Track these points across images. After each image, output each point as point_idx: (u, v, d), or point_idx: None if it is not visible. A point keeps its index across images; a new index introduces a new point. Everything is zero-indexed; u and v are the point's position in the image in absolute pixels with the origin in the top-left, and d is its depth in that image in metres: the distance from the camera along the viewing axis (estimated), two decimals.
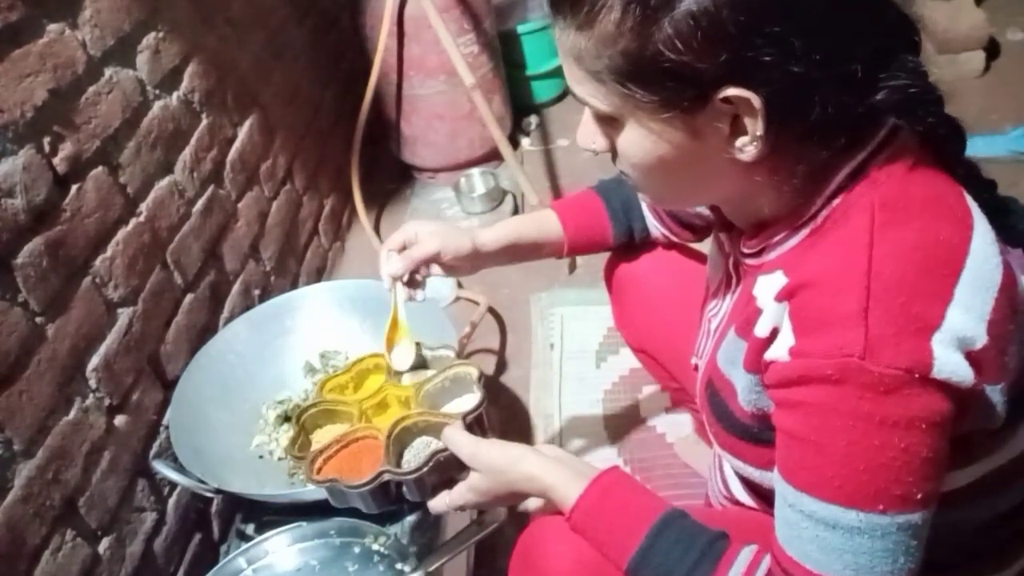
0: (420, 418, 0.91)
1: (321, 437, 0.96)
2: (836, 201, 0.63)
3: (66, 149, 1.05)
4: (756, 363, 0.67)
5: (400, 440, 0.90)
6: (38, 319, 0.97)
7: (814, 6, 0.55)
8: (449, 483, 0.86)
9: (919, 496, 0.58)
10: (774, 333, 0.64)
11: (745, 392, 0.71)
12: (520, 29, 2.45)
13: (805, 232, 0.66)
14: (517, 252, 1.04)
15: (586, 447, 1.50)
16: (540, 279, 1.89)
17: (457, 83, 1.95)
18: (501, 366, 1.71)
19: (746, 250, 0.73)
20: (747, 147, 0.61)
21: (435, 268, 1.00)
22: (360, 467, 0.89)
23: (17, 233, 0.95)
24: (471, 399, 0.93)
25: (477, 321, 1.72)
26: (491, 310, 1.81)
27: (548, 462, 0.78)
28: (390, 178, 2.36)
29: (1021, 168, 1.92)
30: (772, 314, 0.65)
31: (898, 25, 0.62)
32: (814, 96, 0.58)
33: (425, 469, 0.84)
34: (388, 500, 0.88)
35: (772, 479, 0.70)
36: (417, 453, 0.89)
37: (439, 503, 0.86)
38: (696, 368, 0.88)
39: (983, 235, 0.61)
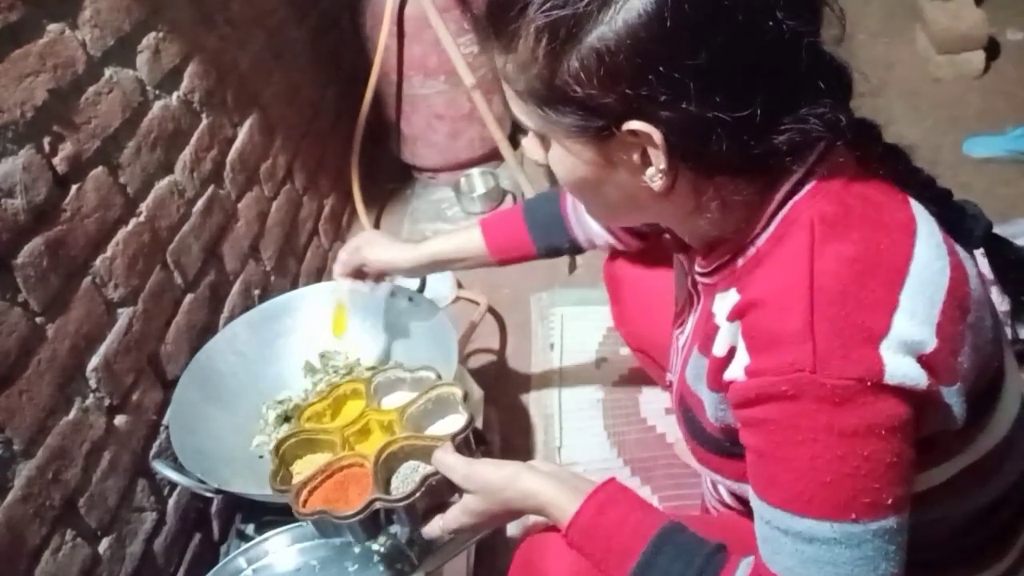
0: (407, 442, 0.88)
1: (302, 468, 0.92)
2: (778, 218, 0.65)
3: (66, 149, 1.05)
4: (718, 381, 0.68)
5: (387, 466, 0.88)
6: (38, 319, 0.97)
7: (706, 54, 0.56)
8: (441, 507, 0.84)
9: (889, 501, 0.59)
10: (731, 352, 0.66)
11: (712, 409, 0.72)
12: None
13: (752, 251, 0.67)
14: (445, 265, 1.18)
15: (586, 447, 1.50)
16: (540, 279, 1.89)
17: (457, 83, 1.95)
18: (501, 366, 1.71)
19: (699, 269, 0.74)
20: (655, 178, 0.63)
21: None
22: (347, 497, 0.86)
23: (17, 233, 0.95)
24: (457, 420, 0.91)
25: (477, 321, 1.72)
26: (491, 310, 1.81)
27: (544, 478, 0.77)
28: (390, 178, 2.36)
29: (1021, 168, 1.92)
30: (727, 333, 0.67)
31: (814, 72, 0.60)
32: (712, 135, 0.59)
33: (417, 495, 0.82)
34: (379, 529, 0.86)
35: (748, 491, 0.71)
36: (405, 479, 0.87)
37: (433, 528, 0.84)
38: (670, 385, 0.89)
39: (927, 240, 0.62)
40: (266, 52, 1.78)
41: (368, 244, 1.16)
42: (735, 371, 0.64)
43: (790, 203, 0.64)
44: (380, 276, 1.21)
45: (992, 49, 2.38)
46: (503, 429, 1.52)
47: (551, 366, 1.68)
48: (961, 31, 2.30)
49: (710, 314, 0.71)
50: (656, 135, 0.59)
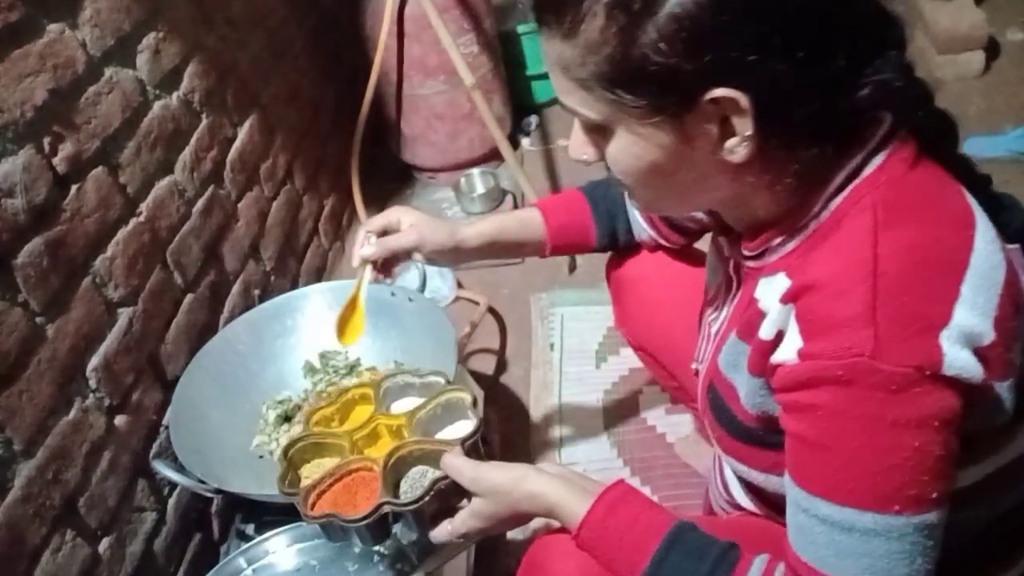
0: (416, 447, 0.87)
1: (310, 472, 0.92)
2: (836, 201, 0.63)
3: (66, 149, 1.05)
4: (761, 366, 0.67)
5: (395, 470, 0.87)
6: (38, 319, 0.97)
7: (792, 4, 0.56)
8: (449, 512, 0.83)
9: (934, 495, 0.58)
10: (779, 336, 0.64)
11: (749, 395, 0.70)
12: (520, 29, 2.44)
13: (806, 233, 0.65)
14: (498, 249, 1.04)
15: (586, 447, 1.50)
16: (540, 279, 1.89)
17: (457, 83, 1.95)
18: (501, 366, 1.71)
19: (747, 252, 0.72)
20: (737, 148, 0.61)
21: (416, 255, 1.00)
22: (355, 500, 0.85)
23: (17, 233, 0.95)
24: (466, 425, 0.90)
25: (477, 321, 1.72)
26: (491, 310, 1.81)
27: (552, 480, 0.76)
28: (390, 178, 2.36)
29: (1021, 168, 1.92)
30: (777, 317, 0.65)
31: (881, 22, 0.62)
32: (800, 93, 0.58)
33: (426, 499, 0.81)
34: (386, 533, 0.85)
35: (776, 483, 0.70)
36: (413, 483, 0.86)
37: (441, 532, 0.83)
38: (696, 373, 0.88)
39: (984, 233, 0.61)
40: (266, 52, 1.78)
41: (413, 226, 0.98)
42: (785, 354, 0.62)
43: (850, 186, 0.63)
44: (392, 263, 1.03)
45: (992, 49, 2.38)
46: (503, 429, 1.52)
47: (551, 366, 1.68)
48: (961, 31, 2.30)
49: (752, 299, 0.70)
50: (743, 99, 0.57)
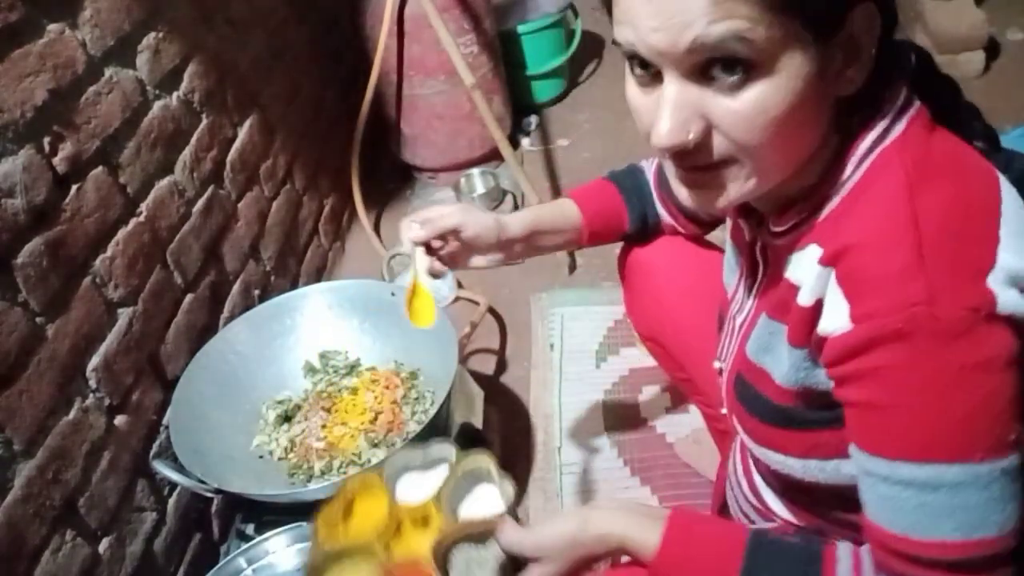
0: (460, 533, 0.79)
1: None
2: (865, 165, 0.63)
3: (66, 149, 1.05)
4: (804, 337, 0.65)
5: (441, 560, 0.79)
6: (38, 319, 0.97)
7: None
8: None
9: (1012, 437, 0.56)
10: (818, 304, 0.63)
11: (791, 372, 0.69)
12: (520, 29, 2.44)
13: (835, 201, 0.65)
14: (538, 238, 1.03)
15: (586, 447, 1.50)
16: (540, 279, 1.89)
17: (457, 83, 1.95)
18: (501, 366, 1.71)
19: (776, 229, 0.70)
20: (856, 75, 0.60)
21: (476, 259, 0.99)
22: None
23: (17, 233, 0.95)
24: (488, 490, 0.85)
25: (477, 321, 1.72)
26: (491, 310, 1.81)
27: (614, 514, 0.74)
28: (390, 178, 2.36)
29: None
30: (814, 284, 0.63)
31: None
32: (888, 17, 0.60)
33: None
34: None
35: (815, 469, 0.70)
36: (463, 570, 0.79)
37: None
38: (720, 372, 0.86)
39: (1007, 185, 0.62)
40: (266, 52, 1.78)
41: (456, 209, 0.97)
42: (834, 322, 0.60)
43: (878, 149, 0.63)
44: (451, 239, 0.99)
45: (992, 49, 2.38)
46: (503, 429, 1.52)
47: (551, 366, 1.68)
48: (961, 31, 2.30)
49: (782, 279, 0.69)
50: (877, 15, 0.58)
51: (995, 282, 0.56)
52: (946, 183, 0.59)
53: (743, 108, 0.57)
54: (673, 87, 0.58)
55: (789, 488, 0.82)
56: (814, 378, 0.67)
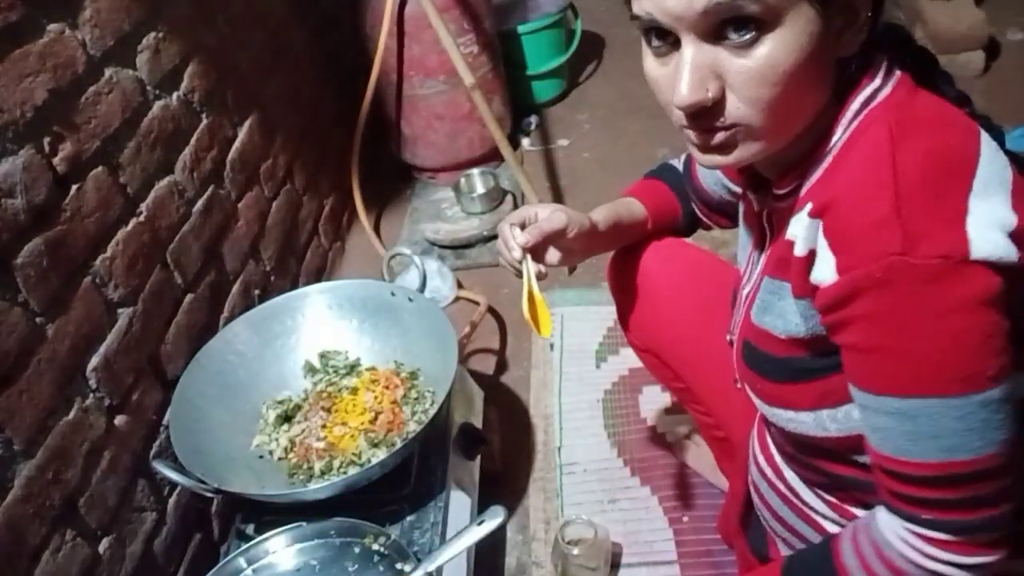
0: None
1: None
2: (853, 126, 0.67)
3: (66, 149, 1.05)
4: (804, 287, 0.68)
5: None
6: (38, 319, 0.97)
7: None
8: None
9: (989, 373, 0.61)
10: (811, 254, 0.66)
11: (803, 321, 0.72)
12: (520, 29, 2.45)
13: (828, 160, 0.69)
14: (616, 233, 1.06)
15: (586, 447, 1.50)
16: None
17: (457, 83, 1.95)
18: (501, 366, 1.71)
19: (778, 192, 0.75)
20: (856, 36, 0.65)
21: (551, 253, 0.98)
22: None
23: (17, 233, 0.95)
24: None
25: (477, 321, 1.72)
26: (491, 310, 1.81)
27: None
28: (390, 178, 2.36)
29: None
30: (805, 235, 0.67)
31: None
32: None
33: None
34: None
35: (826, 420, 0.74)
36: None
37: None
38: (731, 344, 0.89)
39: (988, 141, 0.65)
40: (266, 52, 1.78)
41: (557, 210, 0.97)
42: (823, 272, 0.64)
43: (865, 111, 0.67)
44: (543, 251, 0.99)
45: (992, 49, 2.38)
46: (503, 429, 1.52)
47: (551, 366, 1.68)
48: (961, 31, 2.30)
49: (783, 241, 0.72)
50: None
51: (973, 226, 0.59)
52: (926, 136, 0.63)
53: (755, 64, 0.61)
54: (690, 49, 0.62)
55: (806, 454, 0.84)
56: (822, 326, 0.70)
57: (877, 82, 0.68)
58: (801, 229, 0.68)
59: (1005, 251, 0.59)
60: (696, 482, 1.39)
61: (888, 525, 0.69)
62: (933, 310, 0.59)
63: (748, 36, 0.60)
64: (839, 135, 0.68)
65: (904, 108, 0.66)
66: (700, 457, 1.40)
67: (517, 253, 0.93)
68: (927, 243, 0.58)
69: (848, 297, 0.62)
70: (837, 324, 0.65)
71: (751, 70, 0.62)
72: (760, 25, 0.60)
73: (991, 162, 0.63)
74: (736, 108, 0.64)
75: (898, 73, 0.69)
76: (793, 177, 0.72)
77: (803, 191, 0.71)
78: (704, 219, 1.11)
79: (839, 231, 0.63)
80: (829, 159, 0.69)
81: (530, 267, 0.93)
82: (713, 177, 1.02)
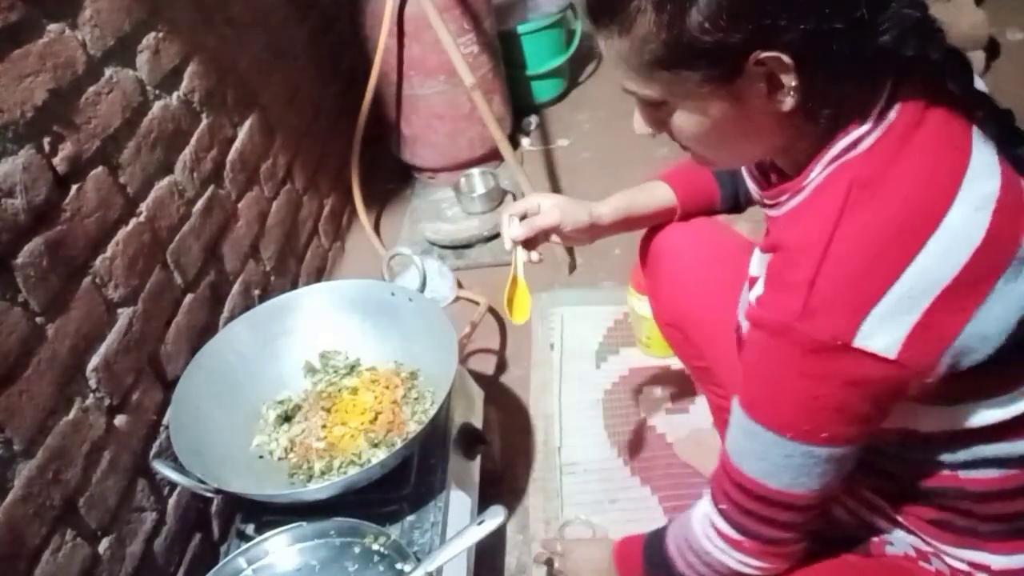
0: None
1: None
2: (829, 169, 0.70)
3: (66, 149, 1.05)
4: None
5: None
6: (38, 319, 0.97)
7: None
8: None
9: (824, 435, 0.70)
10: (755, 280, 0.76)
11: None
12: (520, 29, 2.45)
13: (804, 194, 0.72)
14: (630, 223, 1.11)
15: (586, 447, 1.50)
16: (540, 279, 1.88)
17: (457, 83, 1.95)
18: (501, 366, 1.71)
19: (766, 201, 0.79)
20: (786, 98, 0.67)
21: (553, 237, 1.06)
22: None
23: (17, 233, 0.95)
24: None
25: (477, 321, 1.72)
26: (491, 310, 1.81)
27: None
28: (390, 178, 2.36)
29: None
30: (758, 262, 0.78)
31: None
32: (831, 44, 0.64)
33: None
34: None
35: None
36: None
37: None
38: (737, 329, 0.90)
39: (965, 203, 0.65)
40: (266, 52, 1.78)
41: (553, 207, 1.04)
42: (753, 294, 0.74)
43: (843, 159, 0.69)
44: (535, 243, 1.06)
45: (992, 49, 2.38)
46: (503, 429, 1.52)
47: (551, 366, 1.68)
48: (961, 31, 2.30)
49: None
50: (784, 56, 0.64)
51: (870, 320, 0.64)
52: (877, 210, 0.65)
53: (673, 127, 0.74)
54: (637, 103, 0.76)
55: None
56: None
57: (866, 127, 0.68)
58: (757, 252, 0.78)
59: (886, 348, 0.64)
60: (696, 482, 1.39)
61: (697, 512, 0.85)
62: (801, 371, 0.68)
63: (661, 111, 0.73)
64: (815, 174, 0.71)
65: (880, 163, 0.67)
66: (700, 457, 1.40)
67: (507, 244, 1.03)
68: (820, 320, 0.65)
69: (753, 322, 0.72)
70: (747, 332, 0.75)
71: (673, 128, 0.74)
72: (662, 104, 0.72)
73: (958, 228, 0.64)
74: (678, 141, 0.76)
75: (894, 113, 0.68)
76: (777, 192, 0.76)
77: (781, 211, 0.76)
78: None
79: (771, 274, 0.72)
80: (805, 193, 0.72)
81: (518, 257, 1.03)
82: None
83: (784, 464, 0.73)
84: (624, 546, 1.02)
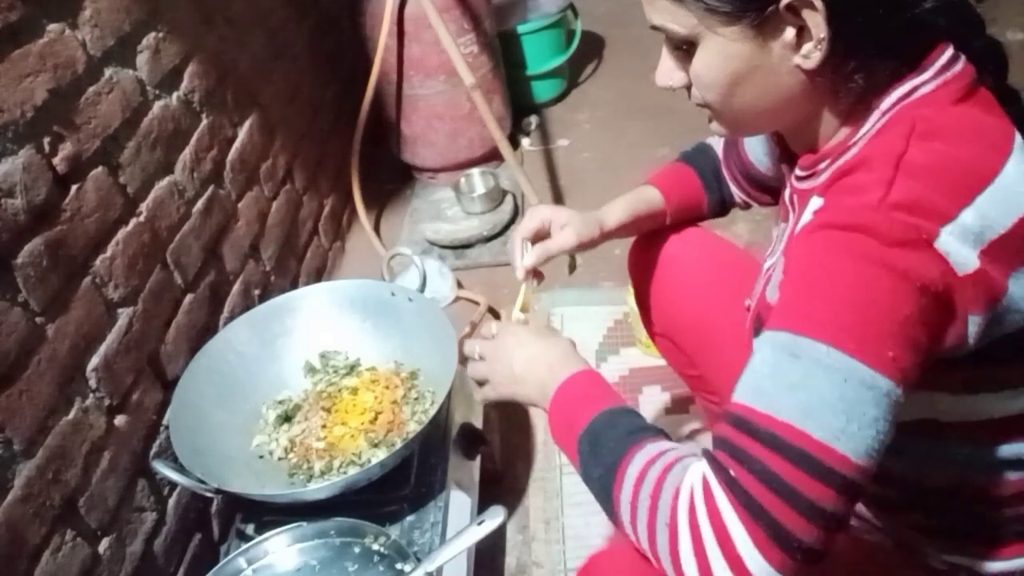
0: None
1: None
2: (883, 121, 0.67)
3: (66, 149, 1.05)
4: None
5: None
6: (38, 319, 0.97)
7: None
8: None
9: (891, 354, 0.57)
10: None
11: None
12: (520, 29, 2.45)
13: (852, 152, 0.69)
14: (632, 228, 1.09)
15: None
16: None
17: (457, 83, 1.95)
18: None
19: (799, 172, 0.77)
20: (812, 53, 0.65)
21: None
22: None
23: (17, 233, 0.95)
24: None
25: (477, 321, 1.72)
26: (491, 310, 1.81)
27: (561, 342, 0.90)
28: (390, 178, 2.36)
29: None
30: (812, 211, 0.68)
31: None
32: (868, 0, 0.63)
33: None
34: None
35: None
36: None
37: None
38: (748, 309, 0.89)
39: (1018, 164, 0.64)
40: (266, 52, 1.78)
41: (566, 227, 1.02)
42: (805, 217, 0.67)
43: (899, 106, 0.67)
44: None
45: None
46: (503, 429, 1.52)
47: None
48: None
49: (803, 216, 0.73)
50: (818, 2, 0.62)
51: (947, 232, 0.60)
52: (944, 142, 0.63)
53: (693, 72, 0.72)
54: (664, 50, 0.74)
55: None
56: None
57: (925, 76, 0.67)
58: (812, 203, 0.69)
59: (964, 260, 0.60)
60: None
61: (694, 470, 0.62)
62: (876, 260, 0.58)
63: (683, 50, 0.72)
64: (867, 128, 0.69)
65: (938, 111, 0.66)
66: None
67: (520, 274, 1.00)
68: (903, 213, 0.59)
69: (809, 230, 0.63)
70: (789, 259, 0.67)
71: (693, 75, 0.72)
72: (688, 42, 0.70)
73: (1012, 183, 0.63)
74: (696, 95, 0.74)
75: (954, 71, 0.67)
76: (815, 160, 0.74)
77: (823, 179, 0.72)
78: (744, 197, 1.10)
79: (835, 190, 0.65)
80: (855, 150, 0.69)
81: (528, 288, 1.00)
82: (762, 147, 1.01)
83: (836, 397, 0.56)
84: (572, 388, 0.81)
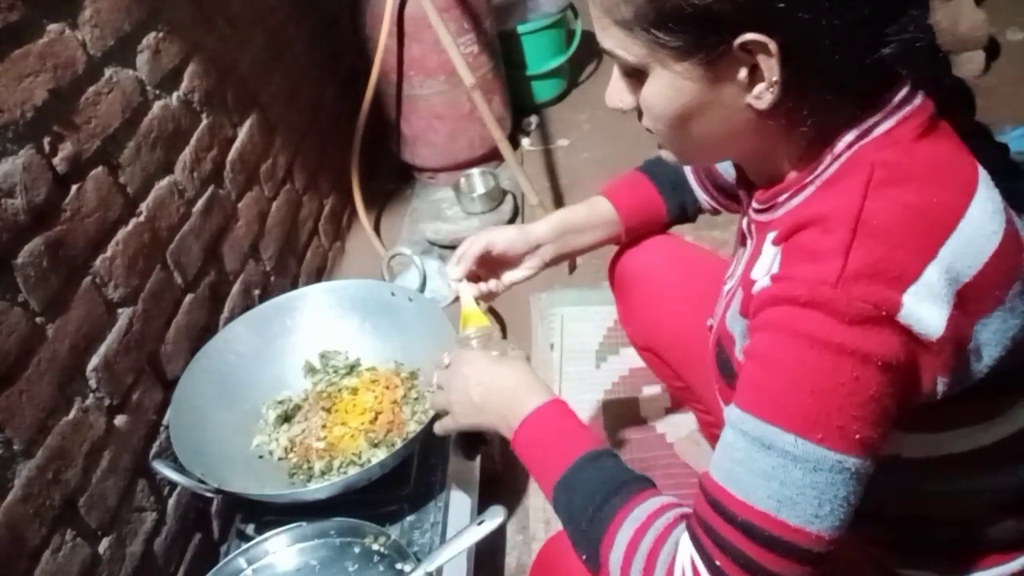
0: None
1: None
2: (841, 160, 0.65)
3: (66, 149, 1.05)
4: (747, 304, 0.68)
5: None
6: (38, 319, 0.97)
7: None
8: None
9: (857, 436, 0.59)
10: (753, 281, 0.67)
11: (740, 339, 0.72)
12: (520, 29, 2.45)
13: (810, 191, 0.68)
14: (571, 238, 1.08)
15: None
16: (540, 279, 1.86)
17: (457, 83, 1.95)
18: None
19: (756, 205, 0.75)
20: (763, 94, 0.63)
21: (506, 276, 1.07)
22: None
23: (17, 233, 0.95)
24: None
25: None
26: (491, 310, 1.81)
27: (523, 368, 0.88)
28: (390, 178, 2.36)
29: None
30: (767, 259, 0.68)
31: None
32: (825, 42, 0.60)
33: None
34: None
35: None
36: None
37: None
38: (710, 329, 0.88)
39: (983, 204, 0.63)
40: (266, 52, 1.78)
41: (480, 234, 1.05)
42: (759, 272, 0.66)
43: (857, 146, 0.65)
44: (496, 274, 1.08)
45: (992, 49, 2.38)
46: None
47: (551, 366, 1.68)
48: (961, 31, 2.30)
49: (760, 252, 0.71)
50: (772, 44, 0.60)
51: (911, 295, 0.58)
52: (905, 189, 0.61)
53: (643, 100, 0.70)
54: (615, 70, 0.73)
55: None
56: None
57: (879, 116, 0.65)
58: (766, 254, 0.68)
59: (929, 327, 0.58)
60: (696, 482, 1.39)
61: (683, 551, 0.66)
62: (837, 346, 0.58)
63: (632, 79, 0.70)
64: (824, 167, 0.66)
65: (899, 153, 0.63)
66: (700, 457, 1.40)
67: (452, 287, 1.03)
68: (862, 287, 0.58)
69: (768, 302, 0.62)
70: (751, 328, 0.65)
71: (642, 102, 0.70)
72: (637, 71, 0.68)
73: (976, 229, 0.61)
74: (646, 120, 0.72)
75: (911, 107, 0.65)
76: (772, 194, 0.72)
77: (780, 212, 0.71)
78: (713, 204, 1.09)
79: (791, 251, 0.64)
80: (811, 190, 0.67)
81: (464, 292, 1.02)
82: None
83: (808, 484, 0.59)
84: (539, 422, 0.82)
